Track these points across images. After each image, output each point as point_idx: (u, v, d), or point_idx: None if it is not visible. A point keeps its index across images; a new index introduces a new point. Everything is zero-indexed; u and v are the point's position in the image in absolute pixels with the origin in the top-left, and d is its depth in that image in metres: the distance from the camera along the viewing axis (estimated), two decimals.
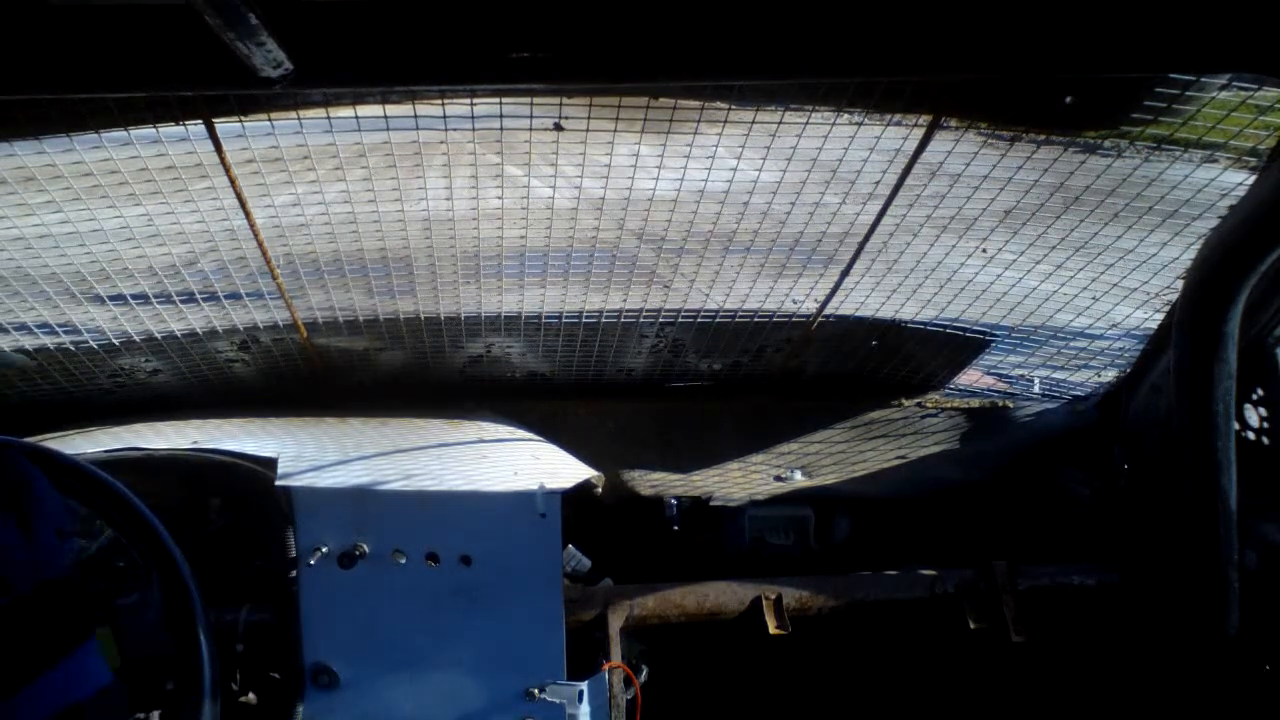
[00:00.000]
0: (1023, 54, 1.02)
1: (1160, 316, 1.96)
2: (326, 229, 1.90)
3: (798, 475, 2.36)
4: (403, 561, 1.75)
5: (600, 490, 2.24)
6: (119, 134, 1.59)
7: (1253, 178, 1.59)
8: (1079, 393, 2.35)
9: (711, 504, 2.36)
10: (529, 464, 1.94)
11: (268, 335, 2.10)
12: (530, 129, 1.65)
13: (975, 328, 2.22)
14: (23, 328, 1.97)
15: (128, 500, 1.42)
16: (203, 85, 1.02)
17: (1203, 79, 1.51)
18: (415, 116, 1.60)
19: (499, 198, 1.86)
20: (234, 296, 2.03)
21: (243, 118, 1.58)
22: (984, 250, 2.02)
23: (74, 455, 1.45)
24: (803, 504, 2.37)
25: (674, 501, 2.35)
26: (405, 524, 1.76)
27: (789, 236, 1.98)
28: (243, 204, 1.78)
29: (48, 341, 1.97)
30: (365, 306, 2.08)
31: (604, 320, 2.14)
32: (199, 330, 2.05)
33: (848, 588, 1.97)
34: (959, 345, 2.27)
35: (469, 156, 1.81)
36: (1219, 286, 1.41)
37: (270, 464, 1.83)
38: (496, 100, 1.56)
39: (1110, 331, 2.16)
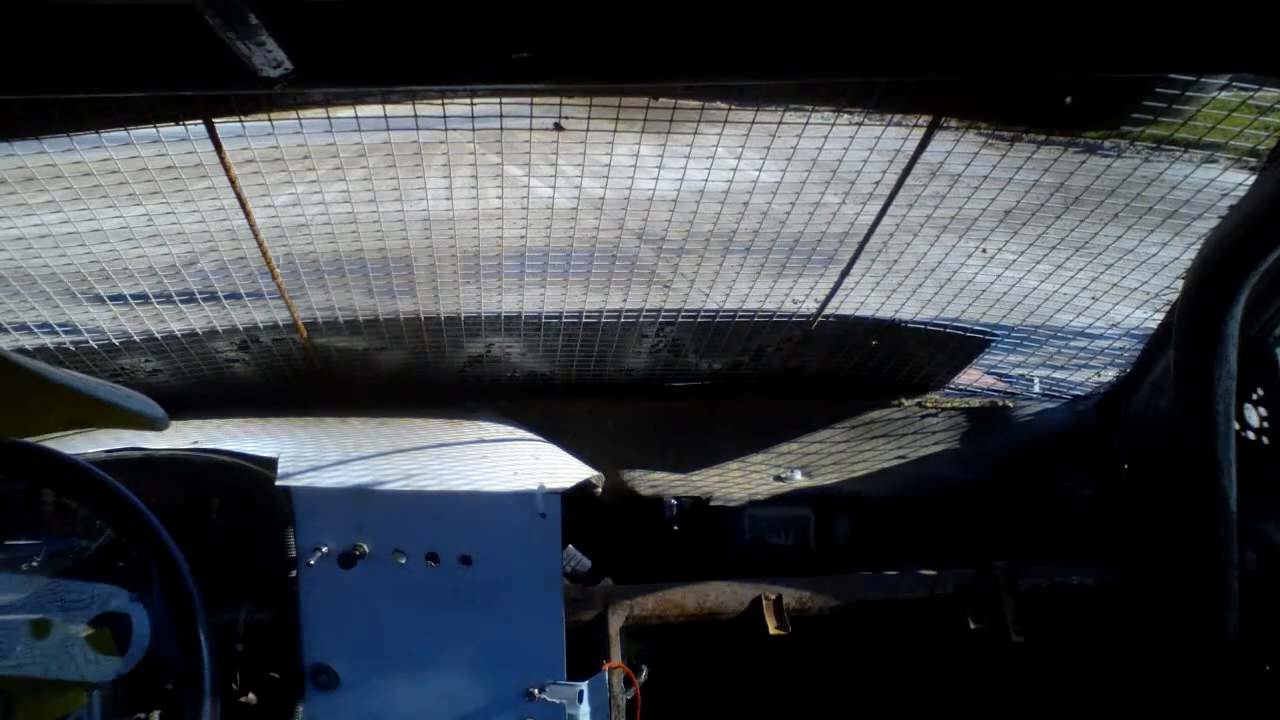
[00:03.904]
0: (1023, 54, 1.02)
1: (1160, 316, 1.96)
2: (326, 229, 1.90)
3: (798, 475, 2.36)
4: (403, 561, 1.75)
5: (600, 490, 2.24)
6: (119, 134, 1.59)
7: (1253, 178, 1.59)
8: (1079, 393, 2.35)
9: (711, 504, 2.36)
10: (529, 464, 1.94)
11: (268, 335, 2.10)
12: (530, 129, 1.65)
13: (975, 328, 2.22)
14: (23, 328, 1.97)
15: (127, 500, 1.42)
16: (203, 85, 1.02)
17: (1203, 79, 1.51)
18: (415, 116, 1.60)
19: (499, 198, 1.86)
20: (234, 296, 2.03)
21: (243, 118, 1.58)
22: (984, 250, 2.02)
23: (74, 455, 1.45)
24: (803, 504, 2.37)
25: (674, 501, 2.35)
26: (405, 524, 1.76)
27: (789, 236, 1.98)
28: (243, 204, 1.78)
29: (48, 341, 1.97)
30: (365, 306, 2.08)
31: (604, 320, 2.14)
32: (199, 330, 2.05)
33: (848, 588, 1.97)
34: (959, 345, 2.27)
35: (469, 156, 1.81)
36: (1219, 286, 1.41)
37: (270, 464, 1.83)
38: (496, 100, 1.56)
39: (1110, 331, 2.16)
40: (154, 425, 1.25)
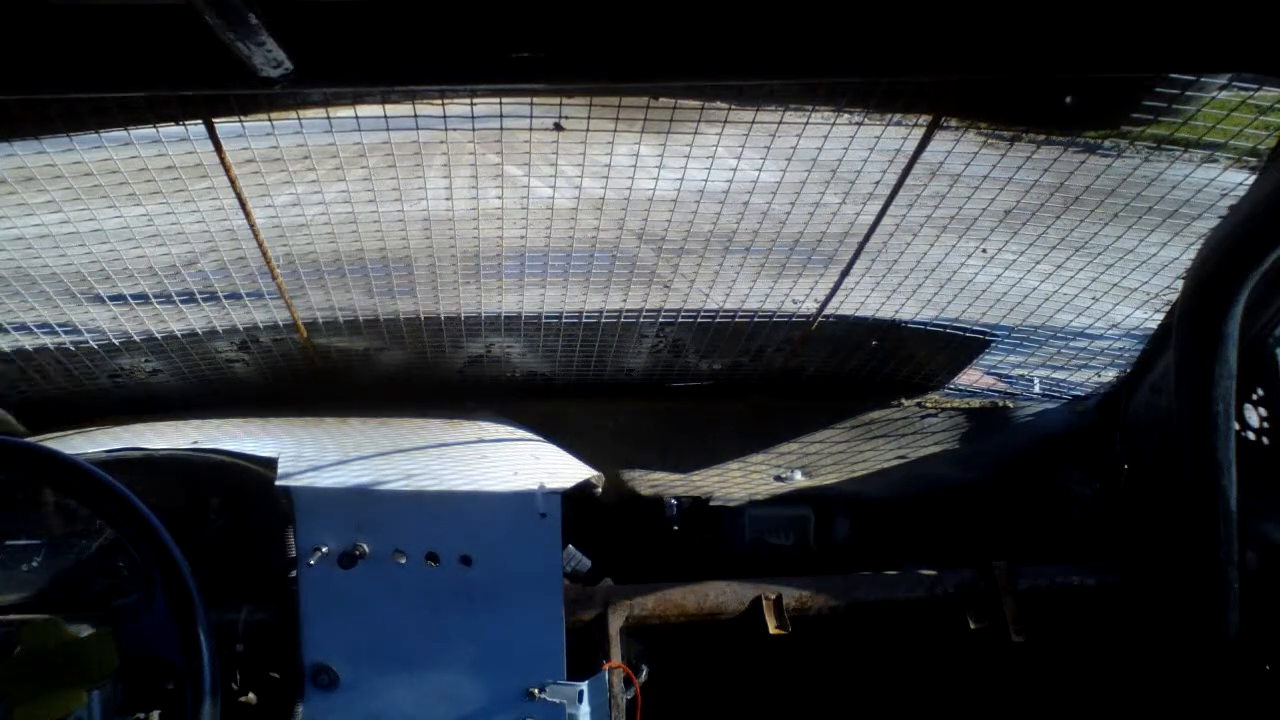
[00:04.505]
0: (1023, 54, 1.02)
1: (1160, 316, 1.96)
2: (326, 229, 1.90)
3: (798, 475, 2.36)
4: (403, 561, 1.75)
5: (600, 490, 2.24)
6: (119, 134, 1.59)
7: (1253, 178, 1.59)
8: (1079, 393, 2.35)
9: (711, 504, 2.35)
10: (529, 464, 1.94)
11: (268, 335, 2.10)
12: (530, 129, 1.65)
13: (975, 328, 2.22)
14: (23, 328, 1.97)
15: (128, 500, 1.42)
16: (203, 85, 1.02)
17: (1203, 79, 1.51)
18: (415, 116, 1.60)
19: (499, 198, 1.86)
20: (234, 296, 2.03)
21: (243, 118, 1.58)
22: (984, 250, 2.01)
23: (74, 455, 1.45)
24: (803, 504, 2.37)
25: (674, 501, 2.35)
26: (405, 524, 1.76)
27: (789, 236, 1.98)
28: (243, 204, 1.78)
29: (48, 341, 1.97)
30: (365, 306, 2.08)
31: (604, 320, 2.14)
32: (199, 330, 2.05)
33: (848, 588, 1.97)
34: (959, 345, 2.27)
35: (469, 156, 1.81)
36: (1219, 286, 1.41)
37: (270, 464, 1.83)
38: (496, 100, 1.56)
39: (1110, 331, 2.16)
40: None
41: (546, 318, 2.14)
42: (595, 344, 2.22)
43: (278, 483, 1.76)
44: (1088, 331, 2.19)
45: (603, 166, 1.76)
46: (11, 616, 1.73)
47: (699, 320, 2.18)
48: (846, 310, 2.19)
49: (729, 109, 1.68)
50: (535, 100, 1.58)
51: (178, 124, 1.59)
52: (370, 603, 1.75)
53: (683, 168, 1.75)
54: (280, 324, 2.08)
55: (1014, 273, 2.03)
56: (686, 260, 2.11)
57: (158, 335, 2.03)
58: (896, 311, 2.19)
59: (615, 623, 1.84)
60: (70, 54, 0.96)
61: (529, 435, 2.19)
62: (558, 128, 1.71)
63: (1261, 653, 1.70)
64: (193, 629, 1.40)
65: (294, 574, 1.77)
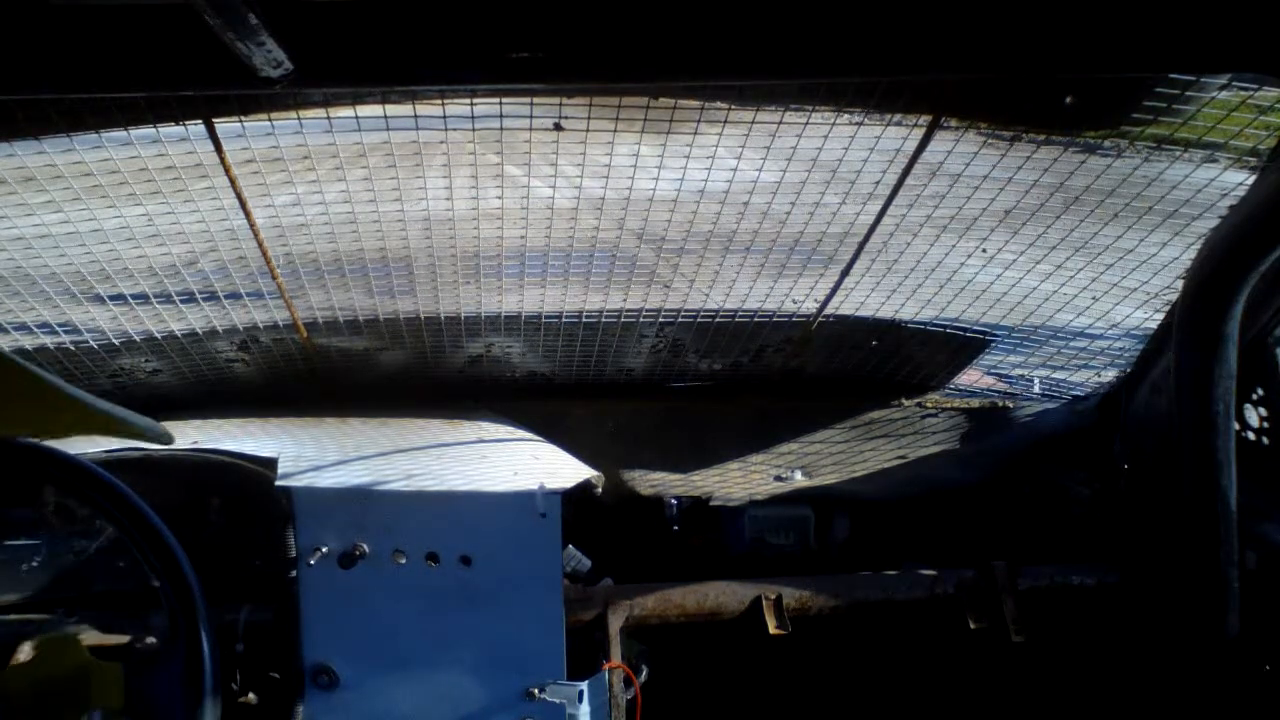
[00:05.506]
0: (1023, 54, 1.02)
1: (1160, 316, 1.96)
2: (326, 229, 1.90)
3: (798, 475, 2.36)
4: (403, 561, 1.75)
5: (600, 490, 2.24)
6: (119, 134, 1.59)
7: (1253, 178, 1.59)
8: (1079, 393, 2.35)
9: (711, 504, 2.36)
10: (529, 464, 1.94)
11: (268, 335, 2.10)
12: (530, 129, 1.65)
13: (975, 328, 2.22)
14: (23, 328, 1.97)
15: (131, 500, 1.42)
16: (203, 85, 1.02)
17: (1203, 79, 1.51)
18: (415, 116, 1.60)
19: (499, 198, 1.86)
20: (234, 296, 2.03)
21: (243, 118, 1.58)
22: (984, 250, 2.01)
23: (76, 454, 1.45)
24: (803, 504, 2.37)
25: (674, 501, 2.35)
26: (405, 524, 1.76)
27: (789, 236, 1.98)
28: (243, 204, 1.78)
29: (48, 341, 1.97)
30: (365, 306, 2.08)
31: (604, 320, 2.14)
32: (199, 330, 2.05)
33: (848, 588, 1.97)
34: (959, 345, 2.27)
35: (469, 156, 1.81)
36: (1219, 286, 1.41)
37: (270, 464, 1.83)
38: (496, 100, 1.56)
39: (1110, 331, 2.16)
40: (159, 440, 1.27)
41: (546, 318, 2.14)
42: (595, 344, 2.22)
43: (278, 483, 1.76)
44: (1088, 331, 2.19)
45: (603, 166, 1.76)
46: (30, 616, 1.74)
47: (699, 320, 2.18)
48: (846, 310, 2.19)
49: (729, 109, 1.68)
50: (535, 100, 1.58)
51: (178, 124, 1.58)
52: (370, 603, 1.75)
53: (683, 168, 1.75)
54: (280, 324, 2.08)
55: (1014, 273, 2.03)
56: (686, 260, 2.11)
57: (158, 335, 2.03)
58: (896, 311, 2.19)
59: (615, 623, 1.84)
60: (70, 54, 0.96)
61: (529, 435, 2.19)
62: (558, 128, 1.71)
63: (1261, 653, 1.70)
64: (195, 629, 1.39)
65: (294, 574, 1.77)
